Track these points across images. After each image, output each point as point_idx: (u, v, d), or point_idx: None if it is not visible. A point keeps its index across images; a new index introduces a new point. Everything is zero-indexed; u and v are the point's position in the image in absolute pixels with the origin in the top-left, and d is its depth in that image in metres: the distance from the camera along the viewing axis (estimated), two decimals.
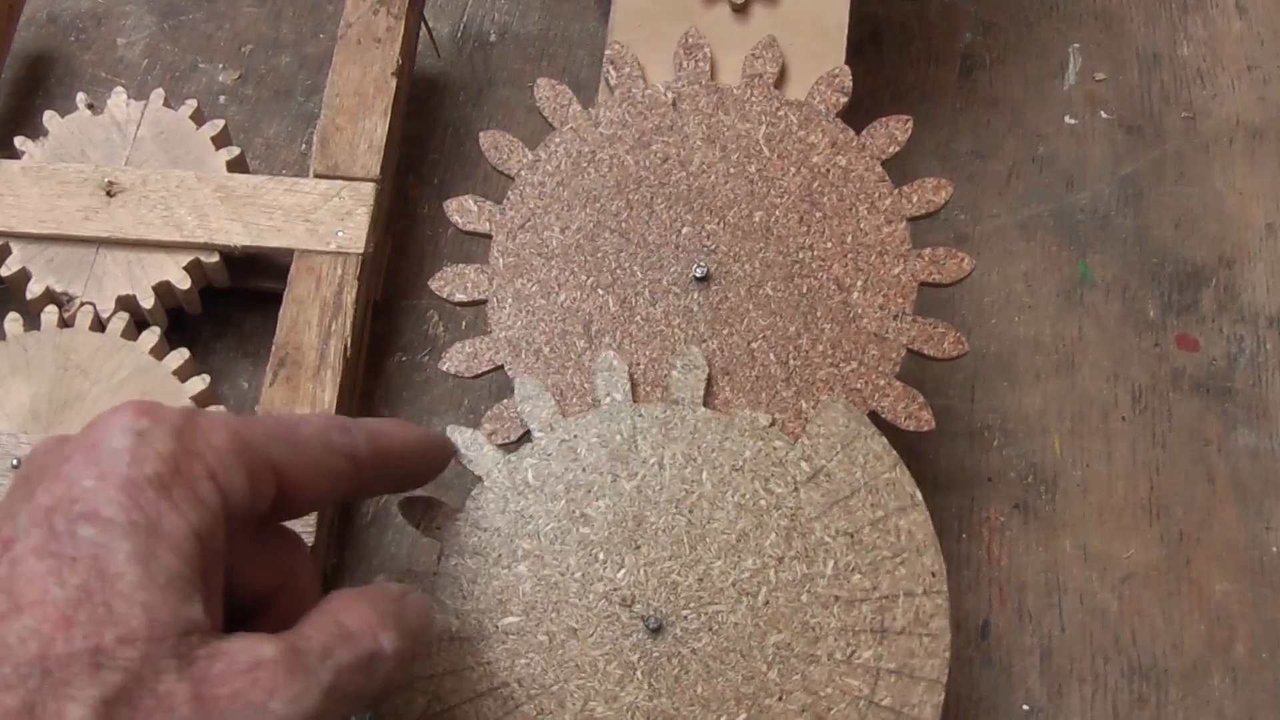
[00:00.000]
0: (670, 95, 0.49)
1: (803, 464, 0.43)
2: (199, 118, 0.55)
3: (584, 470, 0.43)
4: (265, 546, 0.37)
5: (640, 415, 0.44)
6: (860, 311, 0.46)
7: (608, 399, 0.44)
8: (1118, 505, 0.51)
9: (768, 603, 0.41)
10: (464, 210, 0.48)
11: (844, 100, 0.49)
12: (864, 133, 0.48)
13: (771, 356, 0.45)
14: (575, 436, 0.44)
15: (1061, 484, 0.52)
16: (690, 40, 0.50)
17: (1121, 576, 0.50)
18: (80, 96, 0.55)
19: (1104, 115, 0.60)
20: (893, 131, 0.48)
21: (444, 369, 0.47)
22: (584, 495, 0.43)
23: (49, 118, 0.55)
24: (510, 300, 0.47)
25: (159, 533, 0.31)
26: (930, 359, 0.46)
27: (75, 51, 0.62)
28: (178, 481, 0.32)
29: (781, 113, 0.49)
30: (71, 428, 0.48)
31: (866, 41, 0.61)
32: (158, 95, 0.55)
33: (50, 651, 0.29)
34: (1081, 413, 0.53)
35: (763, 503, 0.43)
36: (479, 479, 0.44)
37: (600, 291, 0.47)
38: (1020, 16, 0.62)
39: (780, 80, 0.50)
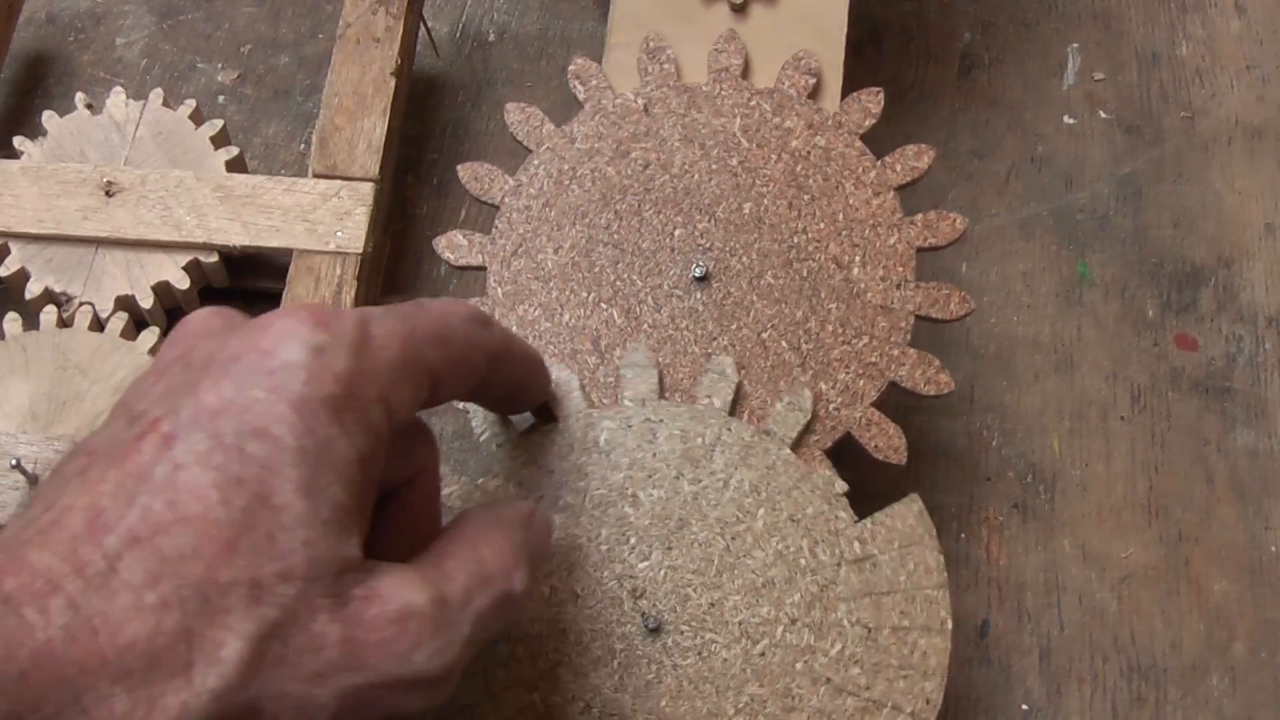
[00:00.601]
0: (641, 101, 0.49)
1: (856, 544, 0.42)
2: (198, 118, 0.55)
3: (654, 456, 0.43)
4: (402, 442, 0.35)
5: (729, 429, 0.43)
6: (863, 286, 0.46)
7: (706, 401, 0.44)
8: (1117, 505, 0.51)
9: (763, 655, 0.41)
10: (454, 246, 0.48)
11: (813, 81, 0.49)
12: (838, 110, 0.48)
13: (783, 344, 0.45)
14: (661, 421, 0.43)
15: (1060, 484, 0.52)
16: (652, 44, 0.50)
17: (1120, 576, 0.50)
18: (79, 96, 0.55)
19: (1103, 115, 0.60)
20: (866, 105, 0.48)
21: (458, 407, 0.46)
22: (644, 479, 0.43)
23: (48, 118, 0.55)
24: (515, 328, 0.46)
25: (327, 461, 0.30)
26: (939, 322, 0.46)
27: (74, 51, 0.62)
28: (351, 405, 0.31)
29: (754, 103, 0.49)
30: (71, 428, 0.48)
31: (865, 41, 0.61)
32: (157, 95, 0.55)
33: (212, 576, 0.29)
34: (1080, 412, 0.53)
35: (803, 562, 0.42)
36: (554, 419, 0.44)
37: (603, 305, 0.46)
38: (1019, 16, 0.62)
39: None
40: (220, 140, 0.54)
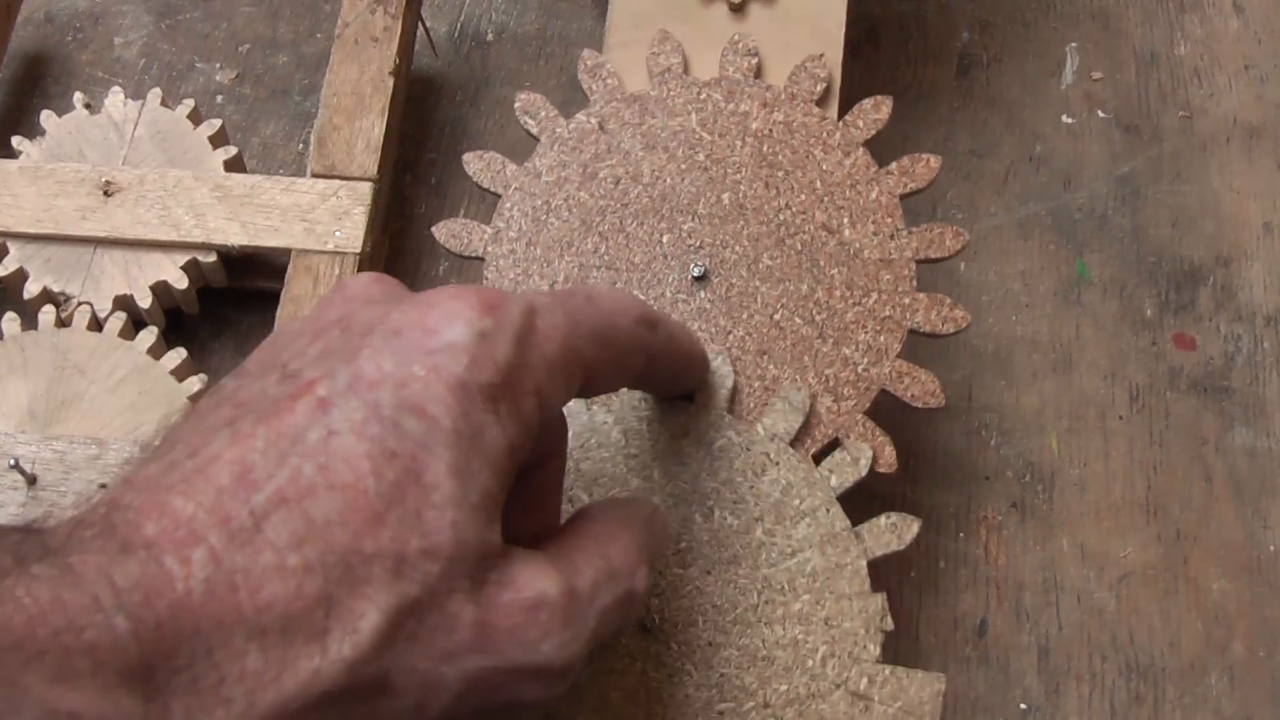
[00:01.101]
0: (594, 120, 0.49)
1: (864, 680, 0.41)
2: (196, 117, 0.55)
3: (750, 489, 0.43)
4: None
5: (826, 510, 0.42)
6: (858, 245, 0.46)
7: (823, 473, 0.43)
8: (1115, 504, 0.51)
9: (721, 715, 0.40)
10: None
11: (754, 61, 0.49)
12: (787, 81, 0.49)
13: (797, 320, 0.45)
14: (776, 464, 0.43)
15: (1059, 483, 0.52)
16: (589, 63, 0.50)
17: (1119, 575, 0.50)
18: (77, 96, 0.55)
19: (1101, 114, 0.60)
20: (814, 73, 0.49)
21: None
22: (729, 501, 0.42)
23: (46, 117, 0.55)
24: None
25: (479, 446, 0.30)
26: (937, 261, 0.46)
27: (72, 51, 0.62)
28: (507, 395, 0.31)
29: (704, 95, 0.49)
30: (70, 427, 0.48)
31: (864, 40, 0.61)
32: (155, 95, 0.55)
33: (358, 545, 0.29)
34: (1079, 412, 0.53)
35: (809, 663, 0.41)
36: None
37: None
38: (1017, 16, 0.62)
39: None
40: (218, 140, 0.54)
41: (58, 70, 0.61)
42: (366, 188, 0.52)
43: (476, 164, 0.49)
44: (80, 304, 0.51)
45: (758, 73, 0.49)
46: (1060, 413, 0.53)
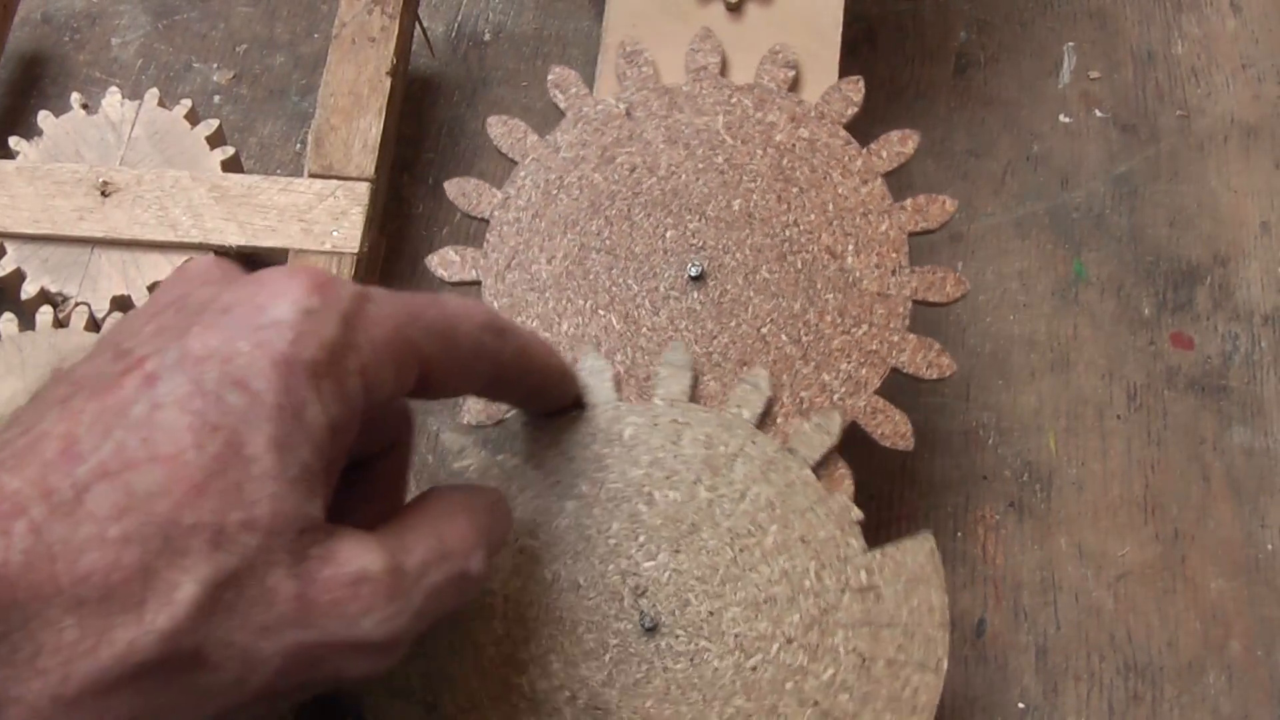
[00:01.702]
0: (622, 105, 0.49)
1: (863, 573, 0.42)
2: (194, 117, 0.55)
3: (675, 458, 0.43)
4: (380, 416, 0.36)
5: (754, 442, 0.43)
6: (858, 275, 0.46)
7: (736, 410, 0.44)
8: (1113, 503, 0.51)
9: (755, 670, 0.41)
10: (447, 263, 0.48)
11: (791, 74, 0.49)
12: (819, 101, 0.48)
13: (783, 337, 0.45)
14: (688, 424, 0.43)
15: (1057, 482, 0.52)
16: (628, 49, 0.50)
17: (1117, 574, 0.50)
18: (75, 96, 0.55)
19: (1098, 114, 0.60)
20: (847, 94, 0.48)
21: (464, 422, 0.46)
22: (662, 479, 0.42)
23: (43, 118, 0.55)
24: None
25: (301, 421, 0.30)
26: (935, 305, 0.46)
27: (69, 51, 0.62)
28: (331, 373, 0.31)
29: (735, 99, 0.49)
30: None
31: (861, 40, 0.61)
32: (152, 95, 0.55)
33: (177, 517, 0.29)
34: (1076, 411, 0.53)
35: (807, 584, 0.42)
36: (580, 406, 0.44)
37: (601, 312, 0.46)
38: (1014, 15, 0.62)
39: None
40: (216, 140, 0.54)
41: (55, 71, 0.61)
42: (364, 188, 0.52)
43: (499, 128, 0.49)
44: (78, 304, 0.51)
45: (793, 86, 0.49)
46: (1058, 412, 0.53)
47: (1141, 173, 0.58)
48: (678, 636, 0.41)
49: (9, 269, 0.51)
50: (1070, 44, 0.62)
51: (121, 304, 0.51)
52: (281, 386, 0.30)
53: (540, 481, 0.42)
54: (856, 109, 0.48)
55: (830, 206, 0.47)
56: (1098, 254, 0.57)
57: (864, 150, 0.47)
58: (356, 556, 0.31)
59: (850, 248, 0.46)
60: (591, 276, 0.47)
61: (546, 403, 0.42)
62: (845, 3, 0.51)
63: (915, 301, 0.46)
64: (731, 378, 0.45)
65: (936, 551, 0.42)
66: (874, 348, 0.45)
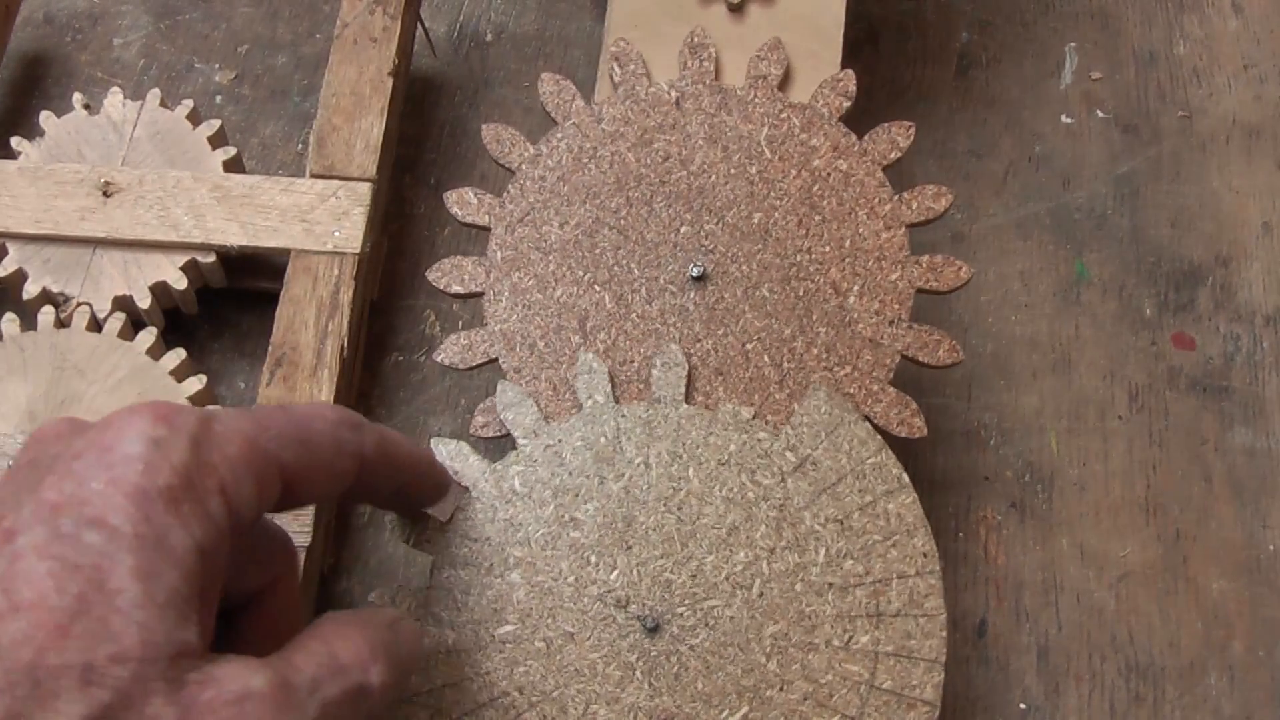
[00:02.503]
0: (674, 94, 0.49)
1: (788, 454, 0.43)
2: (195, 118, 0.54)
3: (570, 474, 0.43)
4: (257, 544, 0.36)
5: (623, 416, 0.44)
6: (856, 316, 0.46)
7: (589, 401, 0.44)
8: (1114, 504, 0.51)
9: (762, 594, 0.42)
10: (464, 203, 0.48)
11: (847, 104, 0.49)
12: (866, 138, 0.48)
13: (766, 358, 0.45)
14: (560, 441, 0.44)
15: (1058, 483, 0.52)
16: (695, 39, 0.50)
17: (1118, 575, 0.50)
18: (76, 97, 0.55)
19: (1100, 114, 0.60)
20: (894, 137, 0.48)
21: (438, 360, 0.47)
22: (572, 499, 0.43)
23: (45, 118, 0.55)
24: (506, 294, 0.47)
25: (164, 548, 0.31)
26: (924, 366, 0.46)
27: (71, 52, 0.61)
28: (188, 496, 0.31)
29: (784, 115, 0.49)
30: None
31: (863, 41, 0.61)
32: (154, 95, 0.55)
33: (42, 661, 0.29)
34: (1078, 411, 0.53)
35: (750, 495, 0.43)
36: (465, 490, 0.44)
37: (597, 288, 0.47)
38: (1016, 16, 0.62)
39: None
40: (217, 140, 0.54)
41: (57, 71, 0.61)
42: (365, 188, 0.52)
43: (550, 86, 0.49)
44: (79, 304, 0.51)
45: (843, 115, 0.49)
46: (1060, 412, 0.53)
47: (1143, 173, 0.58)
48: (681, 614, 0.42)
49: (10, 269, 0.51)
50: (1072, 44, 0.62)
51: (123, 304, 0.51)
52: (139, 516, 0.30)
53: (475, 577, 0.43)
54: (900, 153, 0.48)
55: (847, 243, 0.47)
56: (1099, 254, 0.57)
57: (895, 196, 0.47)
58: (238, 677, 0.31)
59: (856, 288, 0.46)
60: (598, 251, 0.47)
61: (419, 499, 0.42)
62: (847, 3, 0.51)
63: (904, 356, 0.46)
64: (704, 385, 0.45)
65: (832, 393, 0.44)
66: (851, 391, 0.45)
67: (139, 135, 0.54)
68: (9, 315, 0.51)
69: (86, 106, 0.55)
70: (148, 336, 0.50)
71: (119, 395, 0.49)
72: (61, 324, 0.50)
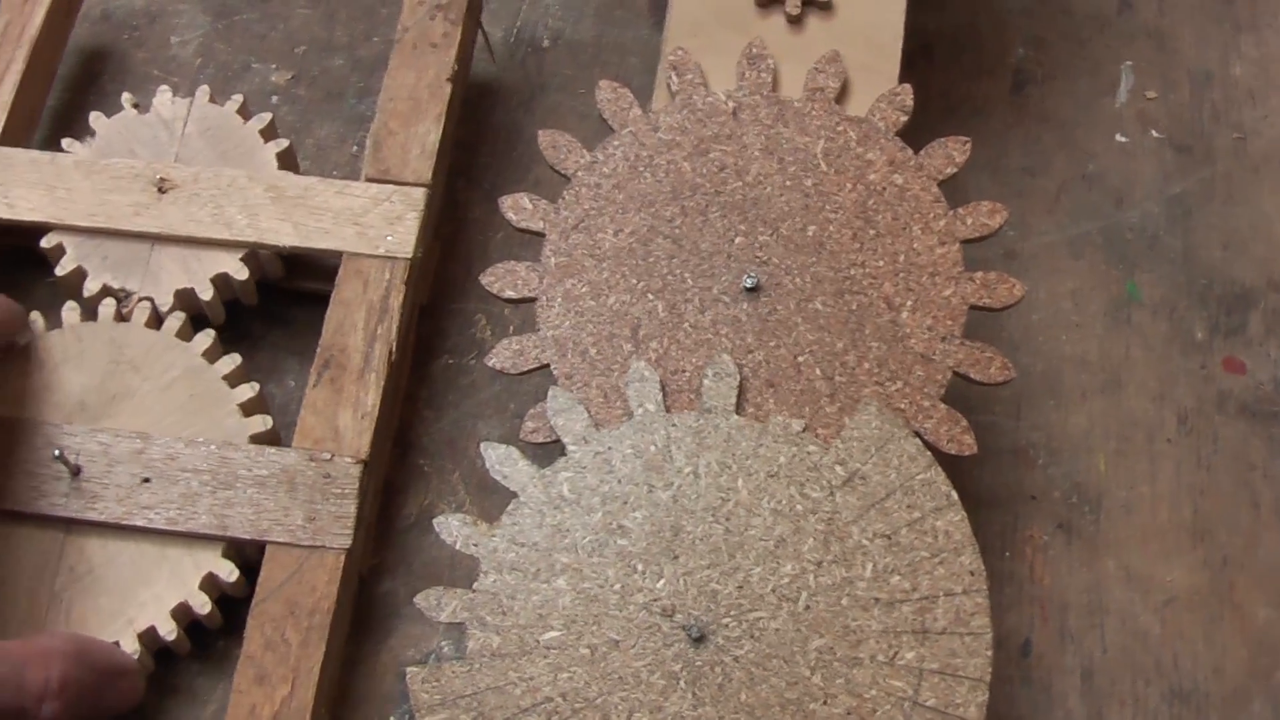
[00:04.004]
0: (731, 104, 0.49)
1: (837, 468, 0.43)
2: (245, 112, 0.55)
3: (619, 482, 0.43)
4: None
5: (674, 425, 0.44)
6: (908, 331, 0.46)
7: (640, 409, 0.44)
8: (1161, 527, 0.51)
9: (808, 607, 0.42)
10: (519, 208, 0.49)
11: (904, 119, 0.49)
12: (921, 152, 0.48)
13: (817, 371, 0.45)
14: (609, 449, 0.44)
15: (1105, 504, 0.52)
16: (754, 50, 0.50)
17: (1164, 599, 0.50)
18: (125, 96, 0.55)
19: (1154, 134, 0.60)
20: (950, 152, 0.48)
21: (489, 364, 0.47)
22: (620, 507, 0.43)
23: (95, 118, 0.55)
24: (559, 300, 0.47)
25: None
26: (976, 383, 0.46)
27: (128, 49, 0.62)
28: None
29: (841, 128, 0.49)
30: (119, 423, 0.49)
31: (917, 54, 0.61)
32: (203, 92, 0.55)
33: None
34: (1127, 433, 0.53)
35: (799, 508, 0.43)
36: (514, 494, 0.44)
37: (650, 296, 0.47)
38: (1072, 33, 0.62)
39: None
40: (269, 134, 0.54)
41: (113, 68, 0.61)
42: (420, 193, 0.52)
43: (607, 93, 0.50)
44: (141, 300, 0.51)
45: (899, 129, 0.49)
46: (1108, 434, 0.53)
47: (1196, 194, 0.58)
48: (726, 625, 0.42)
49: (70, 267, 0.52)
50: (1128, 63, 0.61)
51: (185, 297, 0.51)
52: None
53: (521, 582, 0.43)
54: (956, 169, 0.48)
55: (901, 258, 0.47)
56: (1151, 275, 0.56)
57: (950, 212, 0.47)
58: None
59: (909, 303, 0.46)
60: (651, 260, 0.47)
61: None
62: (906, 17, 0.51)
63: (955, 372, 0.46)
64: (754, 397, 0.45)
65: (882, 409, 0.44)
66: (902, 406, 0.45)
67: (190, 132, 0.54)
68: (70, 304, 0.51)
69: (136, 105, 0.55)
70: (205, 339, 0.50)
71: (170, 395, 0.49)
72: (122, 318, 0.51)
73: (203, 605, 0.47)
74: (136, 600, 0.47)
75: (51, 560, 0.47)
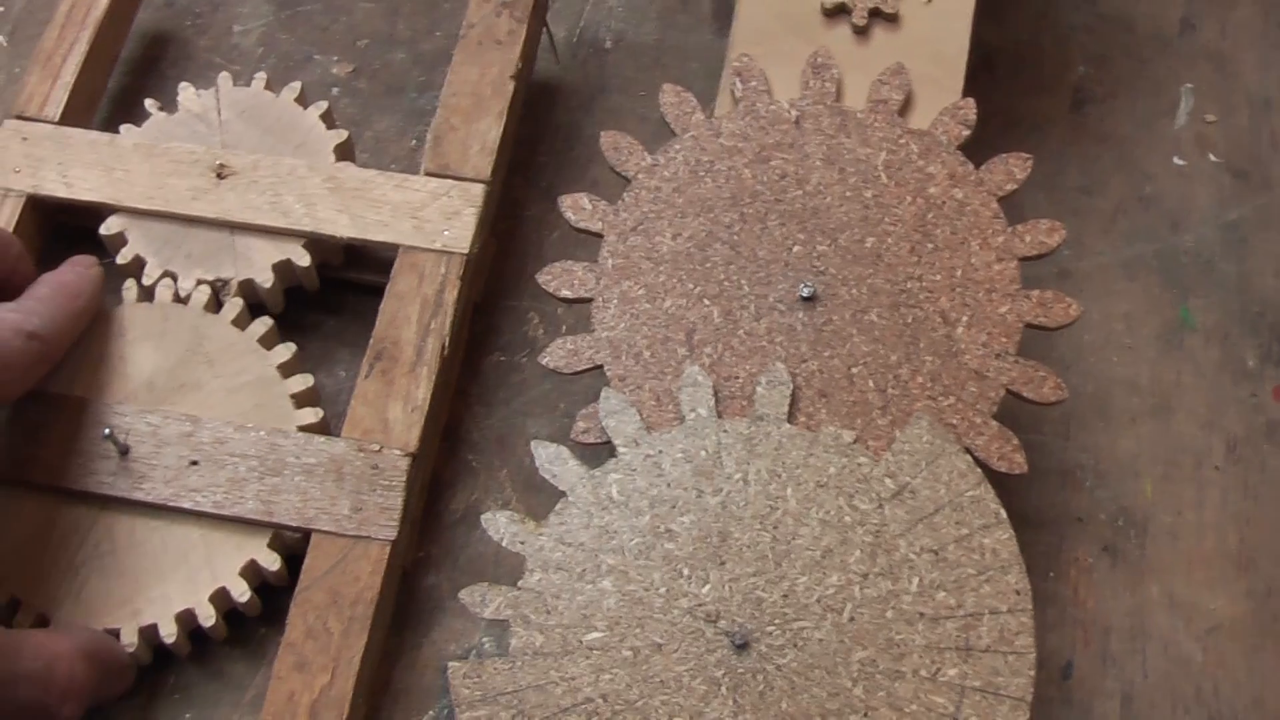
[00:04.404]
0: (794, 113, 0.49)
1: (887, 481, 0.43)
2: (303, 100, 0.55)
3: (669, 486, 0.44)
4: None
5: (725, 431, 0.44)
6: (963, 347, 0.46)
7: (692, 414, 0.45)
8: (1207, 555, 0.51)
9: (853, 619, 0.41)
10: (578, 207, 0.49)
11: (966, 133, 0.48)
12: (982, 167, 0.48)
13: (870, 383, 0.45)
14: (660, 452, 0.44)
15: (1151, 529, 0.51)
16: (819, 60, 0.50)
17: (1207, 627, 0.50)
18: (149, 102, 0.55)
19: (1212, 158, 0.59)
20: (1011, 169, 0.48)
21: (543, 363, 0.47)
22: (669, 511, 0.43)
23: (151, 106, 0.55)
24: (615, 301, 0.47)
25: None
26: (1028, 402, 0.46)
27: (191, 36, 0.62)
28: None
29: (903, 140, 0.48)
30: (179, 411, 0.49)
31: (979, 68, 0.61)
32: (225, 78, 0.55)
33: None
34: (1174, 459, 0.53)
35: (847, 519, 0.43)
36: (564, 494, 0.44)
37: (706, 301, 0.47)
38: (1134, 52, 0.62)
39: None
40: (328, 121, 0.54)
41: (174, 54, 0.62)
42: (479, 189, 0.52)
43: (671, 97, 0.50)
44: (223, 283, 0.51)
45: (961, 142, 0.49)
46: (1156, 458, 0.53)
47: (1252, 221, 0.58)
48: (770, 633, 0.42)
49: (129, 256, 0.52)
50: (1188, 85, 0.61)
51: (245, 284, 0.52)
52: None
53: (566, 582, 0.43)
54: (1016, 185, 0.48)
55: (959, 273, 0.47)
56: (1204, 301, 0.56)
57: (1009, 228, 0.47)
58: None
59: (965, 319, 0.46)
60: (709, 265, 0.47)
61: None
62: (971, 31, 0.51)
63: (1009, 390, 0.45)
64: (806, 406, 0.45)
65: (934, 423, 0.44)
66: (954, 422, 0.45)
67: (227, 118, 0.54)
68: (165, 281, 0.51)
69: (161, 108, 0.55)
70: (285, 351, 0.50)
71: (236, 400, 0.49)
72: (213, 308, 0.51)
73: (242, 594, 0.47)
74: (156, 590, 0.47)
75: (81, 535, 0.48)
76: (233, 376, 0.50)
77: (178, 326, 0.50)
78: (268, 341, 0.50)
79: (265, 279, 0.52)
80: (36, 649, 0.42)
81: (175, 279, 0.52)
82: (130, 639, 0.46)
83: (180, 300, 0.51)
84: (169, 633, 0.46)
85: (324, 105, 0.55)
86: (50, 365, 0.49)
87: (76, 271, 0.50)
